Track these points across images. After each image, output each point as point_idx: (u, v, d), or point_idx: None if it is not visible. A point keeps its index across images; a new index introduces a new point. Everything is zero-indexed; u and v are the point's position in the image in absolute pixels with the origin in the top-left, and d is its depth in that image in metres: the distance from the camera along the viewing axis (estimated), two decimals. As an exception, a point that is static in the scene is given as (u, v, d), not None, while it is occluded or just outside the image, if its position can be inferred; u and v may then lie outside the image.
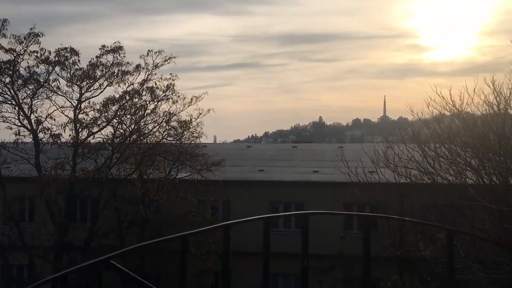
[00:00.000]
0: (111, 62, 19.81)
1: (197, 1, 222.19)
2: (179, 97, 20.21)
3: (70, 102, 20.09)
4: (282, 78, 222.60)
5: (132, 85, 20.19)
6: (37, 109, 19.70)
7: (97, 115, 19.83)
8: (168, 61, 20.10)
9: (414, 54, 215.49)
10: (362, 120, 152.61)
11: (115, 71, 19.82)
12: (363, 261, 7.06)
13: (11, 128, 19.30)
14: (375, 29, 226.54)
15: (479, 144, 14.53)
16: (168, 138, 20.53)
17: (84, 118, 19.89)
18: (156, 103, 20.26)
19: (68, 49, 19.56)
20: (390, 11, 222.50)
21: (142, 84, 20.18)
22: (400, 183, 16.74)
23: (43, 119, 19.50)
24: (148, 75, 20.11)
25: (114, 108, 19.80)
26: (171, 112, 20.27)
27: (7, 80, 19.54)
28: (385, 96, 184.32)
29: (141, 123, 20.37)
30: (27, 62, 19.51)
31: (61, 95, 20.05)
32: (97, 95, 20.21)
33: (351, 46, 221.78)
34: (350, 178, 17.13)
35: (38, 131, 19.38)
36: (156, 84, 20.14)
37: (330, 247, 15.20)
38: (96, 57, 19.81)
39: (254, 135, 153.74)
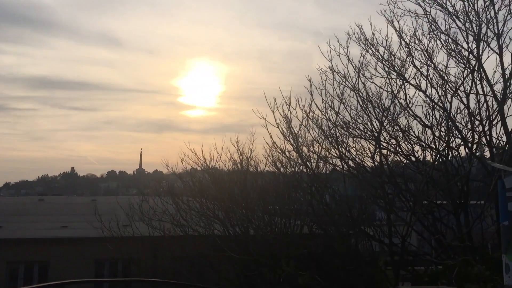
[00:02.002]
0: None
1: None
2: None
3: None
4: (30, 125, 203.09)
5: None
6: None
7: None
8: None
9: (170, 110, 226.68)
10: (118, 172, 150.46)
11: None
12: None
13: None
14: (133, 83, 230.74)
15: (225, 197, 15.98)
16: None
17: None
18: None
19: None
20: (148, 69, 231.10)
21: None
22: (153, 236, 16.90)
23: None
24: None
25: None
26: None
27: None
28: (141, 149, 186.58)
29: None
30: None
31: None
32: None
33: (108, 97, 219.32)
34: (103, 232, 16.50)
35: None
36: None
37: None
38: None
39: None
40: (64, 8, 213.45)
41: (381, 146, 10.47)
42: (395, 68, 10.34)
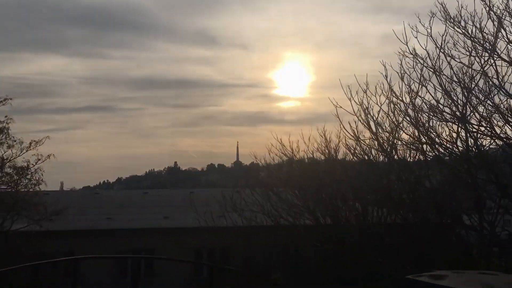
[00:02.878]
0: None
1: (45, 40, 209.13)
2: (15, 141, 18.62)
3: None
4: (137, 123, 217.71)
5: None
6: None
7: None
8: (3, 102, 18.52)
9: (264, 103, 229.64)
10: (217, 165, 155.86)
11: None
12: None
13: None
14: (228, 78, 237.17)
15: (314, 187, 15.96)
16: (1, 186, 18.62)
17: None
18: (-15, 148, 18.36)
19: None
20: (243, 63, 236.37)
21: (-33, 127, 18.21)
22: (246, 226, 17.42)
23: None
24: (-25, 117, 18.25)
25: None
26: (5, 157, 18.51)
27: None
28: (238, 142, 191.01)
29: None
30: None
31: None
32: None
33: (206, 93, 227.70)
34: (200, 223, 17.34)
35: None
36: (-15, 128, 18.32)
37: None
38: None
39: (106, 181, 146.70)
40: (162, 11, 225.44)
41: (473, 129, 9.82)
42: (485, 44, 9.59)
